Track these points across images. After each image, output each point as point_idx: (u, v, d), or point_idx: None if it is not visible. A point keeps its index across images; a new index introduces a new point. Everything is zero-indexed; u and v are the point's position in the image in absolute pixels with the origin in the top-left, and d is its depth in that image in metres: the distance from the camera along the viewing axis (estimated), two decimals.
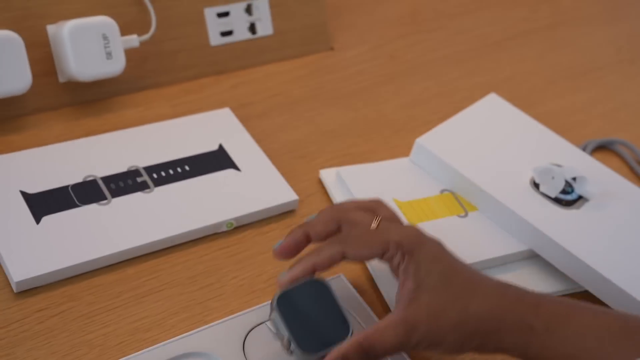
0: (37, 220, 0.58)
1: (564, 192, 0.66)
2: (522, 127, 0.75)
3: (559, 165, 0.67)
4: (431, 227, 0.63)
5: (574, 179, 0.67)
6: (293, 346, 0.49)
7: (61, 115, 0.70)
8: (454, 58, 0.90)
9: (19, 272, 0.54)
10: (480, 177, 0.67)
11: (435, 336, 0.50)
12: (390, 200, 0.66)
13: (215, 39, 0.78)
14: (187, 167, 0.65)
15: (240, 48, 0.80)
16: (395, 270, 0.52)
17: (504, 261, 0.64)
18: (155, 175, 0.64)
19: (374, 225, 0.54)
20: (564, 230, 0.63)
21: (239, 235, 0.63)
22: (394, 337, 0.49)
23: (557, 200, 0.66)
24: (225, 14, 0.78)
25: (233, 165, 0.67)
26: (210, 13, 0.77)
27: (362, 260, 0.58)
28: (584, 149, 0.77)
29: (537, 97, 0.86)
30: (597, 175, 0.69)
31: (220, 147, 0.68)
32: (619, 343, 0.49)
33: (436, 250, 0.52)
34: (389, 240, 0.51)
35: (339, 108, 0.79)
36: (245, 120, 0.72)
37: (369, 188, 0.66)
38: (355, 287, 0.58)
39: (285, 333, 0.50)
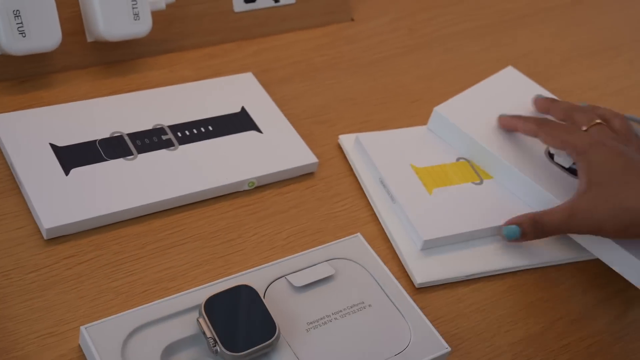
0: (66, 172, 0.60)
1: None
2: None
3: None
4: (447, 193, 0.65)
5: None
6: (218, 347, 0.50)
7: (88, 73, 0.71)
8: (472, 32, 0.91)
9: (49, 220, 0.56)
10: (496, 145, 0.68)
11: (592, 224, 0.60)
12: (407, 165, 0.67)
13: (239, 5, 0.79)
14: (210, 128, 0.67)
15: (263, 15, 0.80)
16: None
17: None
18: (179, 134, 0.66)
19: (583, 128, 0.66)
20: None
21: (259, 195, 0.65)
22: (558, 219, 0.61)
23: (570, 171, 0.68)
24: None
25: (255, 127, 0.68)
26: None
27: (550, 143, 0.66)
28: None
29: (553, 73, 0.88)
30: None
31: (243, 109, 0.70)
32: None
33: (609, 156, 0.61)
34: (567, 141, 0.63)
35: (358, 77, 0.80)
36: (267, 85, 0.74)
37: (387, 153, 0.68)
38: (372, 246, 0.60)
39: (210, 334, 0.51)
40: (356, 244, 0.60)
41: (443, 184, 0.66)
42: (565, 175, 0.67)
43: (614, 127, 0.66)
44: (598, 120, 0.65)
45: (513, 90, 0.76)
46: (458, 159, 0.70)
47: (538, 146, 0.70)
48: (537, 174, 0.67)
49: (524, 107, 0.74)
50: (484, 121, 0.71)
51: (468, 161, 0.69)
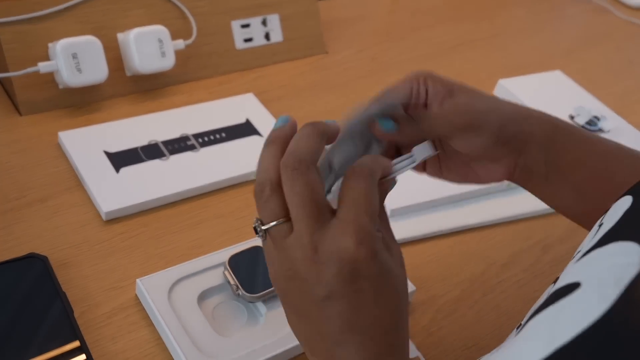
0: (117, 170, 0.62)
1: (590, 123, 0.81)
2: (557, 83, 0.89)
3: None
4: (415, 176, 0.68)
5: (597, 117, 0.81)
6: (240, 291, 0.53)
7: (128, 99, 0.73)
8: (419, 59, 0.94)
9: (107, 205, 0.59)
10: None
11: (476, 113, 0.43)
12: None
13: (239, 44, 0.81)
14: (223, 134, 0.70)
15: (258, 51, 0.82)
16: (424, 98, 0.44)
17: None
18: (200, 140, 0.68)
19: None
20: None
21: None
22: (441, 107, 0.43)
23: (584, 128, 0.77)
24: (247, 25, 0.81)
25: (257, 133, 0.71)
26: (235, 25, 0.80)
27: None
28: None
29: (481, 86, 0.91)
30: (616, 121, 0.83)
31: (247, 120, 0.72)
32: (621, 154, 0.44)
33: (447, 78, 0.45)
34: (405, 79, 0.45)
35: (333, 95, 0.82)
36: (264, 102, 0.76)
37: None
38: None
39: (233, 282, 0.53)
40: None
41: None
42: None
43: None
44: None
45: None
46: None
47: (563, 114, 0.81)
48: None
49: (549, 92, 0.86)
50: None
51: None
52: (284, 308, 0.40)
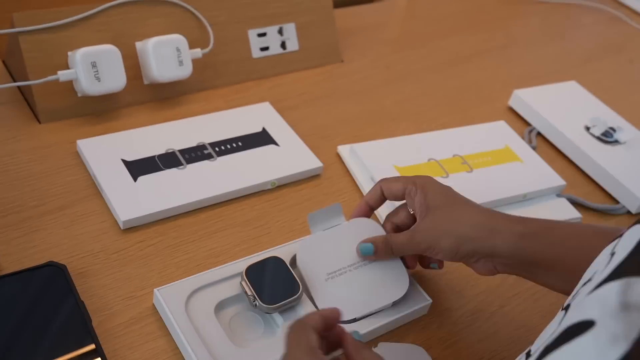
0: (135, 179, 0.62)
1: (606, 134, 0.81)
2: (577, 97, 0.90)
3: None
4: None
5: (613, 128, 0.81)
6: (257, 302, 0.52)
7: (146, 107, 0.73)
8: (433, 68, 0.93)
9: (125, 214, 0.59)
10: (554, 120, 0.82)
11: (432, 240, 0.52)
12: (391, 166, 0.70)
13: (256, 53, 0.81)
14: (240, 143, 0.69)
15: (274, 60, 0.82)
16: (412, 203, 0.55)
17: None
18: (217, 149, 0.68)
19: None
20: (603, 157, 0.78)
21: (279, 192, 0.67)
22: (402, 240, 0.54)
23: (600, 140, 0.80)
24: (264, 34, 0.81)
25: (274, 142, 0.71)
26: (252, 33, 0.80)
27: (393, 193, 0.56)
28: None
29: (499, 95, 0.90)
30: (632, 132, 0.83)
31: (264, 129, 0.72)
32: (595, 243, 0.46)
33: (441, 187, 0.55)
34: (407, 179, 0.55)
35: (349, 103, 0.82)
36: (280, 111, 0.76)
37: (375, 158, 0.71)
38: None
39: (250, 292, 0.53)
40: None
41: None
42: (596, 142, 0.80)
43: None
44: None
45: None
46: (429, 160, 0.73)
47: (579, 124, 0.83)
48: (579, 140, 0.81)
49: (570, 104, 0.87)
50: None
51: (436, 161, 0.73)
52: None
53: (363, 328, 0.54)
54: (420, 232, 0.53)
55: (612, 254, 0.35)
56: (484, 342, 0.57)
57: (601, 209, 0.74)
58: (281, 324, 0.53)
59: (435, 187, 0.55)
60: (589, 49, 1.08)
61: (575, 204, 0.74)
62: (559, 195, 0.73)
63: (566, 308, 0.35)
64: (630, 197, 0.74)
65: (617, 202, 0.76)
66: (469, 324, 0.59)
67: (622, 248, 0.34)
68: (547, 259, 0.50)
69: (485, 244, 0.51)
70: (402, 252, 0.55)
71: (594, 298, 0.31)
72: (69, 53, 0.68)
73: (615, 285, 0.30)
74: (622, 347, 0.27)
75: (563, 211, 0.71)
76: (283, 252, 0.58)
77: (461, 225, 0.52)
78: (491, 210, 0.54)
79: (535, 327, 0.60)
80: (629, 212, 0.75)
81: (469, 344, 0.57)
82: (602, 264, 0.35)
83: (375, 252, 0.56)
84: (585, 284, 0.35)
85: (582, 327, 0.30)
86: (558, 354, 0.30)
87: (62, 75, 0.66)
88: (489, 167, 0.73)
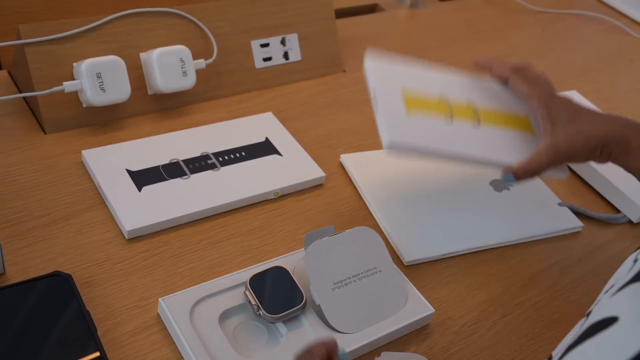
0: (139, 189, 0.63)
1: None
2: None
3: None
4: None
5: None
6: (261, 311, 0.53)
7: (150, 118, 0.74)
8: None
9: (129, 224, 0.59)
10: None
11: (573, 146, 0.59)
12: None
13: (259, 63, 0.82)
14: (243, 153, 0.70)
15: (277, 70, 0.83)
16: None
17: None
18: (220, 159, 0.68)
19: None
20: (604, 167, 0.74)
21: (283, 201, 0.67)
22: (546, 158, 0.60)
23: None
24: (266, 45, 0.82)
25: (277, 152, 0.71)
26: (255, 44, 0.81)
27: (518, 89, 0.65)
28: None
29: None
30: None
31: (267, 139, 0.73)
32: None
33: (562, 100, 0.62)
34: (532, 92, 0.62)
35: (351, 113, 0.82)
36: (283, 121, 0.76)
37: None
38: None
39: (254, 302, 0.53)
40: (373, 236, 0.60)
41: None
42: None
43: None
44: (544, 77, 0.66)
45: None
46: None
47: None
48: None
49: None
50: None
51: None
52: None
53: (366, 338, 0.54)
54: (559, 143, 0.59)
55: (635, 261, 0.35)
56: (486, 351, 0.58)
57: (602, 218, 0.74)
58: (285, 333, 0.53)
59: (557, 103, 0.61)
60: (589, 58, 1.09)
61: (577, 213, 0.74)
62: (560, 204, 0.74)
63: (588, 314, 0.35)
64: (631, 206, 0.74)
65: (618, 211, 0.76)
66: (471, 333, 0.59)
67: None
68: None
69: (621, 139, 0.58)
70: (542, 169, 0.60)
71: (617, 298, 0.32)
72: (74, 64, 0.68)
73: (638, 285, 0.30)
74: None
75: (565, 220, 0.72)
76: (286, 261, 0.58)
77: (595, 126, 0.59)
78: (610, 117, 0.60)
79: (538, 336, 0.60)
80: (630, 222, 0.75)
81: (472, 353, 0.57)
82: (624, 272, 0.36)
83: (518, 179, 0.61)
84: (606, 291, 0.36)
85: (606, 323, 0.30)
86: (581, 348, 0.30)
87: (68, 86, 0.67)
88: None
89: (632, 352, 0.27)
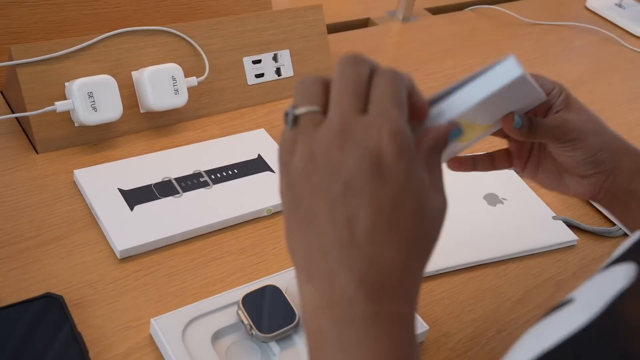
0: (131, 208, 0.63)
1: None
2: None
3: None
4: None
5: None
6: (253, 331, 0.53)
7: (142, 136, 0.74)
8: (428, 92, 0.90)
9: (121, 244, 0.59)
10: None
11: (582, 132, 0.50)
12: None
13: (251, 80, 0.82)
14: (235, 171, 0.70)
15: (269, 86, 0.84)
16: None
17: None
18: (213, 176, 0.69)
19: None
20: None
21: (275, 219, 0.67)
22: (553, 121, 0.51)
23: None
24: (258, 61, 0.83)
25: (269, 169, 0.72)
26: (247, 60, 0.82)
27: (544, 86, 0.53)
28: None
29: None
30: None
31: (259, 156, 0.73)
32: None
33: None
34: (556, 89, 0.52)
35: None
36: (276, 138, 0.77)
37: None
38: None
39: (247, 322, 0.53)
40: None
41: None
42: None
43: None
44: None
45: None
46: None
47: None
48: None
49: None
50: None
51: None
52: (287, 224, 0.36)
53: None
54: (571, 121, 0.51)
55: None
56: None
57: (597, 232, 0.75)
58: (278, 352, 0.54)
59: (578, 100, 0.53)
60: (583, 70, 1.10)
61: (571, 226, 0.75)
62: (555, 218, 0.74)
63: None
64: None
65: (613, 224, 0.77)
66: (466, 349, 0.59)
67: (621, 248, 0.36)
68: None
69: (617, 157, 0.52)
70: (543, 135, 0.51)
71: (581, 285, 0.34)
72: (66, 84, 0.69)
73: (604, 273, 0.32)
74: (591, 312, 0.29)
75: (559, 233, 0.72)
76: (279, 279, 0.58)
77: (605, 131, 0.52)
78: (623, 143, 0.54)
79: None
80: (625, 235, 0.76)
81: None
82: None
83: (521, 127, 0.50)
84: None
85: (562, 304, 0.32)
86: (536, 326, 0.32)
87: (59, 105, 0.67)
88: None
89: (574, 326, 0.28)
